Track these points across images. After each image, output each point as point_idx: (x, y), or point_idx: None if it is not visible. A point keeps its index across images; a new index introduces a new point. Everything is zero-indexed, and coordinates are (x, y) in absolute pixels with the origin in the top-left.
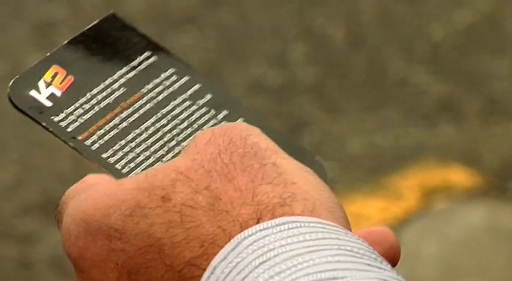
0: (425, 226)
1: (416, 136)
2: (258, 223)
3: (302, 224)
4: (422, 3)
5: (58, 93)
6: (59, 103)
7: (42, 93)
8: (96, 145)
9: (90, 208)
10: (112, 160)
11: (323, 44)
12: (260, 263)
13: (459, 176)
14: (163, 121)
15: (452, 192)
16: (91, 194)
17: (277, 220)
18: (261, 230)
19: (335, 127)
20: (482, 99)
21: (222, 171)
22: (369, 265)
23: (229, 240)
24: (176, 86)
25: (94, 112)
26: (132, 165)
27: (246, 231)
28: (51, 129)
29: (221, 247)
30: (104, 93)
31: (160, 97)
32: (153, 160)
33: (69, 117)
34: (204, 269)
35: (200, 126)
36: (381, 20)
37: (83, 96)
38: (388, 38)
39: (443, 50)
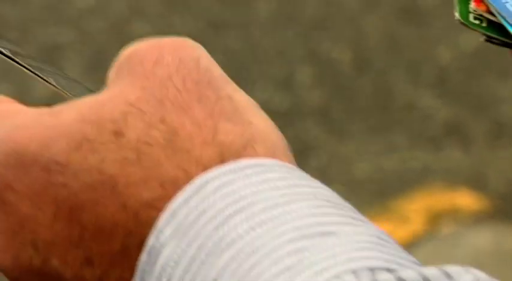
0: (432, 249)
1: (422, 159)
2: (222, 164)
3: (268, 169)
4: (429, 27)
5: None
6: None
7: None
8: None
9: (24, 139)
10: None
11: (329, 68)
12: (235, 212)
13: (466, 200)
14: None
15: (458, 215)
16: (22, 122)
17: (240, 163)
18: (225, 173)
19: (341, 150)
20: (488, 123)
21: (176, 99)
22: (352, 217)
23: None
24: None
25: None
26: None
27: (208, 173)
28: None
29: (182, 190)
30: None
31: None
32: None
33: None
34: (159, 209)
35: None
36: (387, 44)
37: None
38: (394, 62)
39: (450, 73)
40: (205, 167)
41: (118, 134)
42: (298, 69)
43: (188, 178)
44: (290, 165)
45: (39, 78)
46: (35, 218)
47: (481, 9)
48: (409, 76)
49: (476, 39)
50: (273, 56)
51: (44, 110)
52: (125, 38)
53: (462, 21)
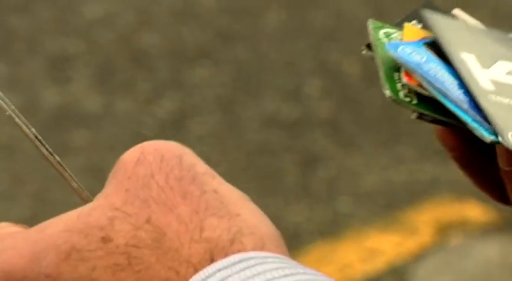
0: (441, 261)
1: (431, 171)
2: (212, 262)
3: (260, 261)
4: None
5: None
6: None
7: None
8: None
9: (12, 258)
10: None
11: (338, 79)
12: None
13: (474, 211)
14: None
15: (467, 227)
16: (9, 244)
17: (231, 258)
18: (219, 270)
19: (350, 162)
20: None
21: (160, 198)
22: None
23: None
24: None
25: None
26: None
27: (202, 273)
28: None
29: None
30: None
31: None
32: None
33: None
34: None
35: None
36: None
37: None
38: None
39: None
40: (195, 267)
41: (106, 239)
42: (307, 81)
43: (181, 278)
44: (282, 256)
45: (68, 179)
46: None
47: (413, 84)
48: None
49: None
50: (282, 67)
51: (33, 228)
52: (134, 49)
53: (394, 98)
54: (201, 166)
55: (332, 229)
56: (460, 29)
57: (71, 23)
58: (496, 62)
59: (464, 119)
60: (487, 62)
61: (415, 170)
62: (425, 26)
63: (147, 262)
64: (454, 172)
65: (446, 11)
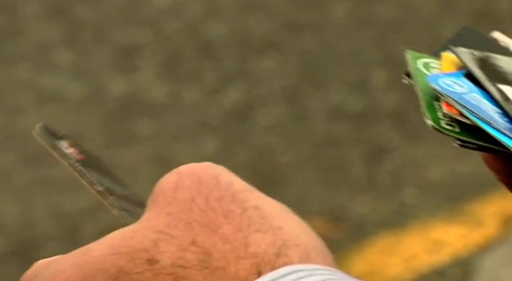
0: (507, 253)
1: None
2: (259, 276)
3: (308, 273)
4: (504, 31)
5: None
6: None
7: None
8: None
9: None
10: None
11: (404, 70)
12: None
13: None
14: None
15: None
16: (58, 268)
17: (280, 271)
18: None
19: (416, 153)
20: None
21: (203, 220)
22: None
23: None
24: None
25: None
26: None
27: None
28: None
29: None
30: None
31: None
32: None
33: None
34: None
35: None
36: None
37: None
38: None
39: None
40: None
41: (152, 261)
42: (373, 72)
43: None
44: (330, 268)
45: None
46: None
47: (453, 113)
48: None
49: None
50: (348, 58)
51: (76, 251)
52: (201, 39)
53: (436, 127)
54: (239, 183)
55: (397, 220)
56: (490, 63)
57: (138, 12)
58: None
59: (509, 145)
60: None
61: (481, 161)
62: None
63: None
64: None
65: (486, 34)
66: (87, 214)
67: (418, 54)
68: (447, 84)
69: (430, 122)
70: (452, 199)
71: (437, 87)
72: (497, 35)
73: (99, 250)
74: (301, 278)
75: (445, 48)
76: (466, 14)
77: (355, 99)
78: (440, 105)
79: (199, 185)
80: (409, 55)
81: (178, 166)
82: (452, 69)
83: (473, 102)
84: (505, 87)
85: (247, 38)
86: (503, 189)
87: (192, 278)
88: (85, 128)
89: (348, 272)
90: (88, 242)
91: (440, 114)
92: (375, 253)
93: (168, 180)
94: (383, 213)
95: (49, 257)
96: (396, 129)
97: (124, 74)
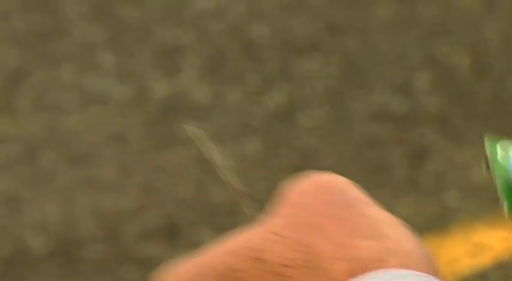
0: None
1: None
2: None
3: (398, 275)
4: None
5: None
6: None
7: None
8: None
9: (178, 279)
10: None
11: (448, 73)
12: None
13: None
14: None
15: None
16: (181, 269)
17: (372, 273)
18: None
19: (459, 156)
20: None
21: (316, 225)
22: None
23: None
24: None
25: None
26: None
27: None
28: None
29: None
30: None
31: None
32: None
33: None
34: None
35: None
36: (508, 49)
37: None
38: None
39: None
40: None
41: (260, 260)
42: (417, 74)
43: None
44: (425, 274)
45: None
46: None
47: None
48: None
49: None
50: (391, 60)
51: (200, 252)
52: (243, 40)
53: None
54: (352, 191)
55: (440, 223)
56: None
57: (182, 13)
58: None
59: None
60: None
61: None
62: None
63: (295, 279)
64: None
65: None
66: (128, 214)
67: (495, 138)
68: None
69: (507, 212)
70: (494, 203)
71: None
72: None
73: (214, 250)
74: (394, 276)
75: None
76: (511, 14)
77: (398, 101)
78: None
79: (322, 193)
80: (487, 141)
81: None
82: None
83: None
84: None
85: (289, 39)
86: None
87: (293, 277)
88: (128, 129)
89: None
90: (129, 243)
91: None
92: None
93: (295, 186)
94: (425, 216)
95: (91, 257)
96: (439, 132)
97: (167, 76)
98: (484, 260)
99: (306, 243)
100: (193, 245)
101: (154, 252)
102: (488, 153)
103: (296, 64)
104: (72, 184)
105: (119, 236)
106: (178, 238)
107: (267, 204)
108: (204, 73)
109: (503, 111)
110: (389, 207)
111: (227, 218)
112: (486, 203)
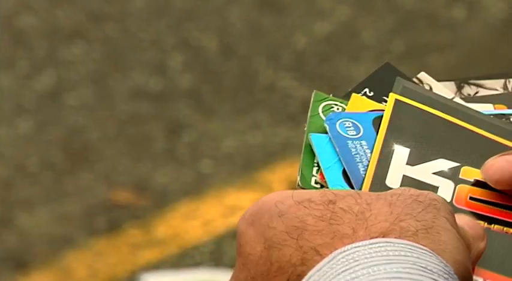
0: None
1: (283, 135)
2: (383, 237)
3: (392, 245)
4: (286, 16)
5: None
6: None
7: None
8: None
9: (275, 197)
10: None
11: (198, 54)
12: (343, 271)
13: None
14: None
15: None
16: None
17: (375, 240)
18: (356, 247)
19: (210, 128)
20: None
21: (386, 200)
22: (434, 279)
23: (353, 241)
24: None
25: None
26: None
27: (343, 247)
28: None
29: (344, 244)
30: None
31: None
32: None
33: None
34: (322, 256)
35: None
36: (250, 32)
37: None
38: (256, 48)
39: (306, 57)
40: (370, 234)
41: (331, 202)
42: (171, 56)
43: (354, 235)
44: (420, 245)
45: None
46: (251, 257)
47: (322, 181)
48: (270, 60)
49: (328, 26)
50: (148, 44)
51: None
52: (14, 30)
53: (302, 187)
54: (441, 201)
55: (196, 188)
56: (411, 117)
57: None
58: (430, 160)
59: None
60: (419, 159)
61: (269, 134)
62: (375, 97)
63: (341, 220)
64: (303, 135)
65: (410, 75)
66: None
67: (323, 95)
68: (345, 127)
69: (299, 181)
70: (244, 168)
71: (327, 128)
72: (422, 76)
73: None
74: (381, 247)
75: (359, 88)
76: (251, 1)
77: (155, 80)
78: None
79: (415, 198)
80: (313, 97)
81: None
82: (360, 110)
83: (353, 151)
84: (403, 149)
85: (55, 28)
86: (289, 158)
87: (343, 219)
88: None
89: (153, 237)
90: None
91: (313, 177)
92: (176, 218)
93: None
94: (183, 182)
95: None
96: (192, 107)
97: None
98: (236, 220)
99: (371, 205)
100: None
101: None
102: (309, 110)
103: (62, 50)
104: None
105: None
106: None
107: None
108: None
109: (248, 87)
110: (150, 176)
111: None
112: (237, 169)
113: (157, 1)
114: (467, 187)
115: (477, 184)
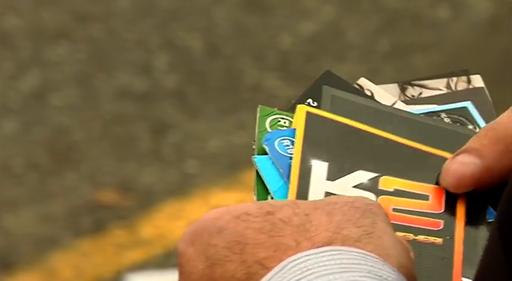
0: None
1: None
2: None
3: (343, 253)
4: (271, 16)
5: None
6: None
7: None
8: None
9: (213, 214)
10: None
11: (183, 54)
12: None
13: None
14: None
15: None
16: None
17: (324, 248)
18: (307, 255)
19: (196, 128)
20: None
21: (324, 210)
22: None
23: (296, 252)
24: None
25: None
26: None
27: (293, 256)
28: None
29: (288, 255)
30: None
31: None
32: None
33: None
34: (268, 269)
35: None
36: (235, 32)
37: None
38: (242, 48)
39: (291, 57)
40: (314, 244)
41: (270, 213)
42: (156, 56)
43: (297, 247)
44: (371, 254)
45: None
46: (193, 276)
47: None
48: (255, 60)
49: (313, 25)
50: (133, 44)
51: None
52: None
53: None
54: (381, 211)
55: (181, 188)
56: (335, 133)
57: None
58: (349, 173)
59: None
60: (338, 172)
61: (255, 134)
62: (320, 106)
63: (283, 232)
64: None
65: (349, 81)
66: None
67: (269, 110)
68: (284, 146)
69: (254, 197)
70: (229, 168)
71: (268, 150)
72: (362, 81)
73: (249, 203)
74: (333, 255)
75: (303, 98)
76: (237, 1)
77: (140, 81)
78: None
79: (354, 206)
80: (258, 112)
81: None
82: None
83: (288, 167)
84: (321, 164)
85: (40, 29)
86: None
87: (284, 231)
88: None
89: (138, 237)
90: None
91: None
92: (161, 218)
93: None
94: (168, 182)
95: None
96: (177, 107)
97: None
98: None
99: (311, 216)
100: None
101: None
102: (256, 126)
103: (47, 51)
104: None
105: None
106: None
107: None
108: None
109: (233, 87)
110: (135, 176)
111: None
112: (222, 169)
113: (142, 1)
114: (389, 197)
115: (397, 193)
